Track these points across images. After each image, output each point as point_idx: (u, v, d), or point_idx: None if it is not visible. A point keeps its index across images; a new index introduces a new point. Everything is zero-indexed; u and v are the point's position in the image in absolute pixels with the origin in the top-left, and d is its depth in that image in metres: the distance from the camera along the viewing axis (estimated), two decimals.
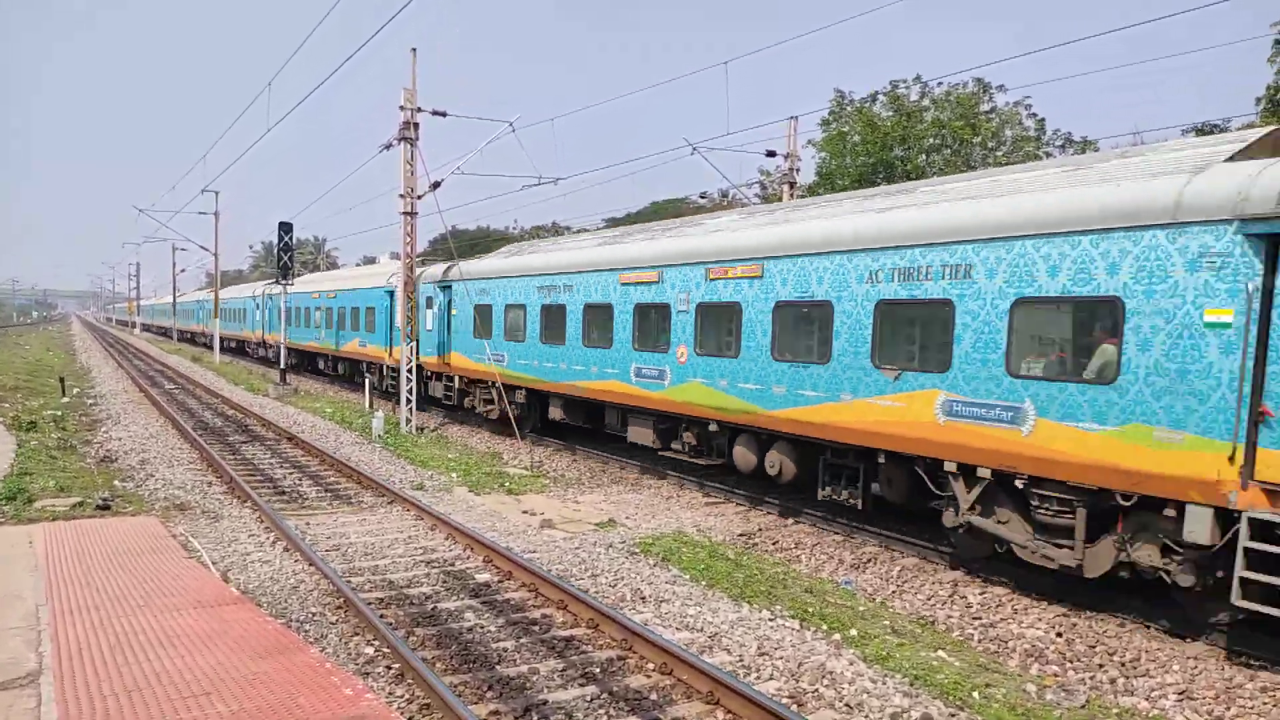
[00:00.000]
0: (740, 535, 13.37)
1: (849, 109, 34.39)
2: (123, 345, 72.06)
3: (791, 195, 27.05)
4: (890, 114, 33.24)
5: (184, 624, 8.26)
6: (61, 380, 32.66)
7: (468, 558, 11.62)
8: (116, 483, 15.71)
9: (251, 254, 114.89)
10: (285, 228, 34.52)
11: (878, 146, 32.46)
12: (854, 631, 9.16)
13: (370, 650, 8.33)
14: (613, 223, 67.45)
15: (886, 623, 9.67)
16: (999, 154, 32.31)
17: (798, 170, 27.20)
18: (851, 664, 8.18)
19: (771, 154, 27.03)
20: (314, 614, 9.27)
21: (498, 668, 8.01)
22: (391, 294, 28.42)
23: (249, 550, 11.64)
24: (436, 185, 24.13)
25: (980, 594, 10.78)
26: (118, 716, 6.28)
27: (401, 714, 6.78)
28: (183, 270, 78.62)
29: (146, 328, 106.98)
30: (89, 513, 13.19)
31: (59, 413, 24.85)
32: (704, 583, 10.69)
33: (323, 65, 26.16)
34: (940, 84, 33.01)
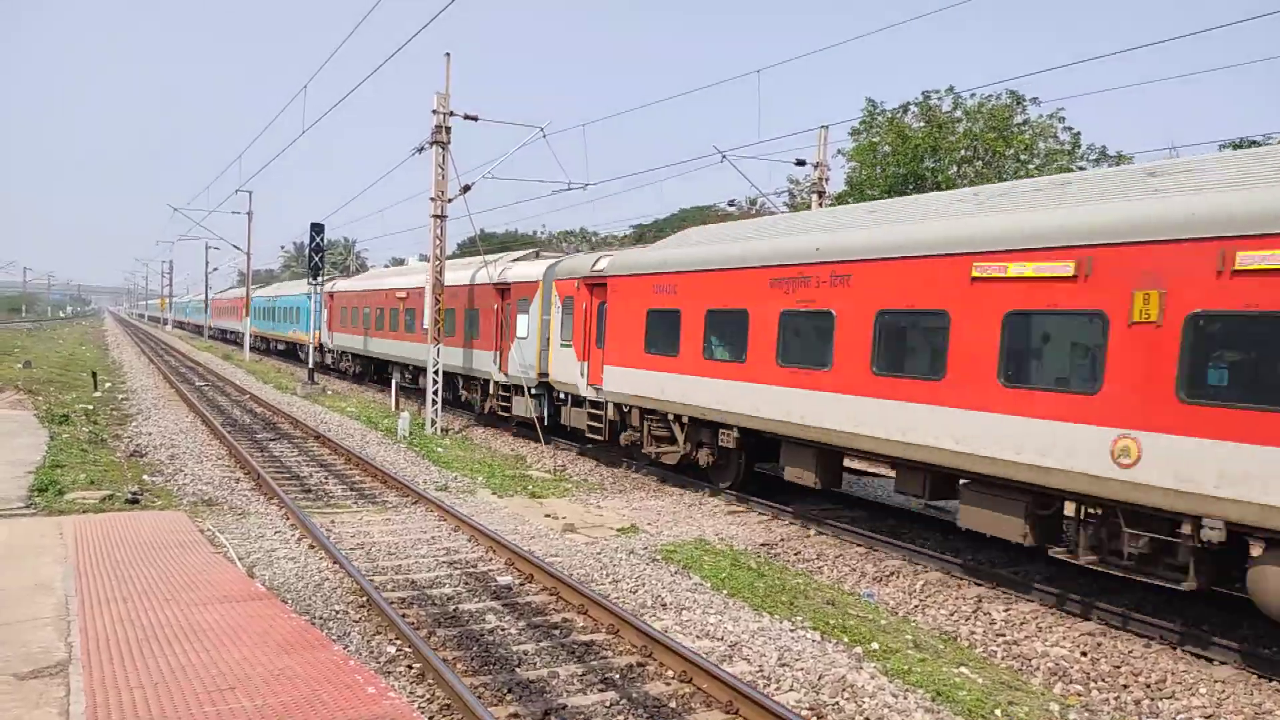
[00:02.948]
0: (762, 545, 13.33)
1: (880, 119, 34.23)
2: (154, 341, 73.08)
3: (820, 204, 26.99)
4: (922, 125, 33.05)
5: (210, 618, 8.35)
6: (94, 375, 33.18)
7: (490, 560, 11.67)
8: (146, 477, 15.93)
9: (283, 254, 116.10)
10: (317, 229, 34.87)
11: (908, 158, 32.27)
12: (875, 645, 9.11)
13: (392, 649, 8.39)
14: (638, 229, 67.53)
15: (909, 637, 9.60)
16: (1031, 166, 32.03)
17: (827, 180, 27.17)
18: (873, 678, 8.13)
19: (801, 163, 27.01)
20: (337, 612, 9.35)
21: (518, 670, 8.04)
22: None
23: (275, 547, 11.76)
24: (467, 189, 24.32)
25: (1005, 611, 10.67)
26: (143, 708, 6.36)
27: (422, 714, 6.82)
28: (215, 269, 79.66)
29: (178, 324, 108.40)
30: (118, 506, 13.38)
31: (91, 407, 25.25)
32: (725, 591, 10.67)
33: (358, 69, 26.47)
34: (973, 95, 32.79)
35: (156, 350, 59.29)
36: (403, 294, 31.04)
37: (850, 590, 11.47)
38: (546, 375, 21.39)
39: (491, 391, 24.66)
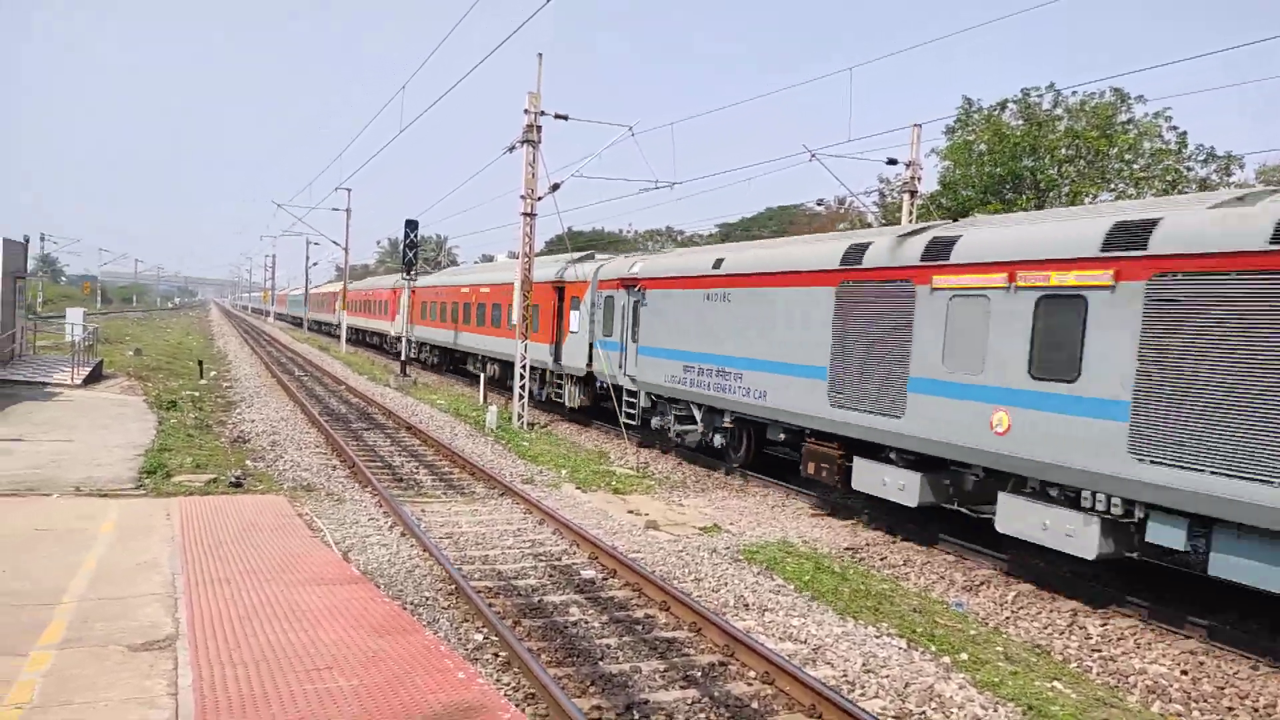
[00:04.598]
0: (846, 549, 13.16)
1: (976, 116, 33.39)
2: (257, 332, 75.97)
3: (912, 204, 26.48)
4: (1020, 123, 32.11)
5: (308, 599, 8.67)
6: (200, 363, 34.67)
7: (574, 553, 11.81)
8: (248, 462, 16.59)
9: (378, 249, 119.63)
10: (411, 225, 35.77)
11: (1006, 156, 31.39)
12: (964, 655, 8.91)
13: (479, 637, 8.57)
14: (724, 227, 67.30)
15: (999, 648, 9.36)
16: (1136, 167, 30.84)
17: (919, 179, 26.63)
18: (961, 689, 7.96)
19: (892, 162, 26.54)
20: (427, 598, 9.59)
21: (600, 664, 8.12)
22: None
23: (368, 533, 12.13)
24: (556, 187, 24.59)
25: (1101, 625, 10.31)
26: (245, 684, 6.65)
27: (509, 701, 6.94)
28: (315, 263, 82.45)
29: (280, 316, 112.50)
30: (222, 489, 13.96)
31: (197, 394, 26.41)
32: (808, 594, 10.58)
33: (453, 69, 27.04)
34: (1075, 93, 31.73)
35: (259, 341, 61.67)
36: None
37: (938, 598, 11.24)
38: None
39: None
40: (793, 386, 15.11)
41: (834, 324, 14.15)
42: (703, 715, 7.21)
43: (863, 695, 7.78)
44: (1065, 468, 10.35)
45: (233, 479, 14.51)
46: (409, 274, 36.74)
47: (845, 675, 8.18)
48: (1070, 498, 10.51)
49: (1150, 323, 9.61)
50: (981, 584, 11.81)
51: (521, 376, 24.32)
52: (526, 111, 23.42)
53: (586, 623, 9.18)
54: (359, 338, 59.36)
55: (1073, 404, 10.35)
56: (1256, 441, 8.61)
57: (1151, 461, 9.47)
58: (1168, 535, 9.54)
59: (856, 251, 13.91)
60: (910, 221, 25.55)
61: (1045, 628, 10.31)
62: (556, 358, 25.36)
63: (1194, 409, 9.13)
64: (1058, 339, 10.62)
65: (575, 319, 24.00)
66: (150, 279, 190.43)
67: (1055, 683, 8.47)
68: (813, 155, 24.20)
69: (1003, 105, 32.85)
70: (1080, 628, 10.28)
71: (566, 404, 25.17)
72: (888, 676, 8.16)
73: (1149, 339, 9.60)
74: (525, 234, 24.39)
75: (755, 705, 7.43)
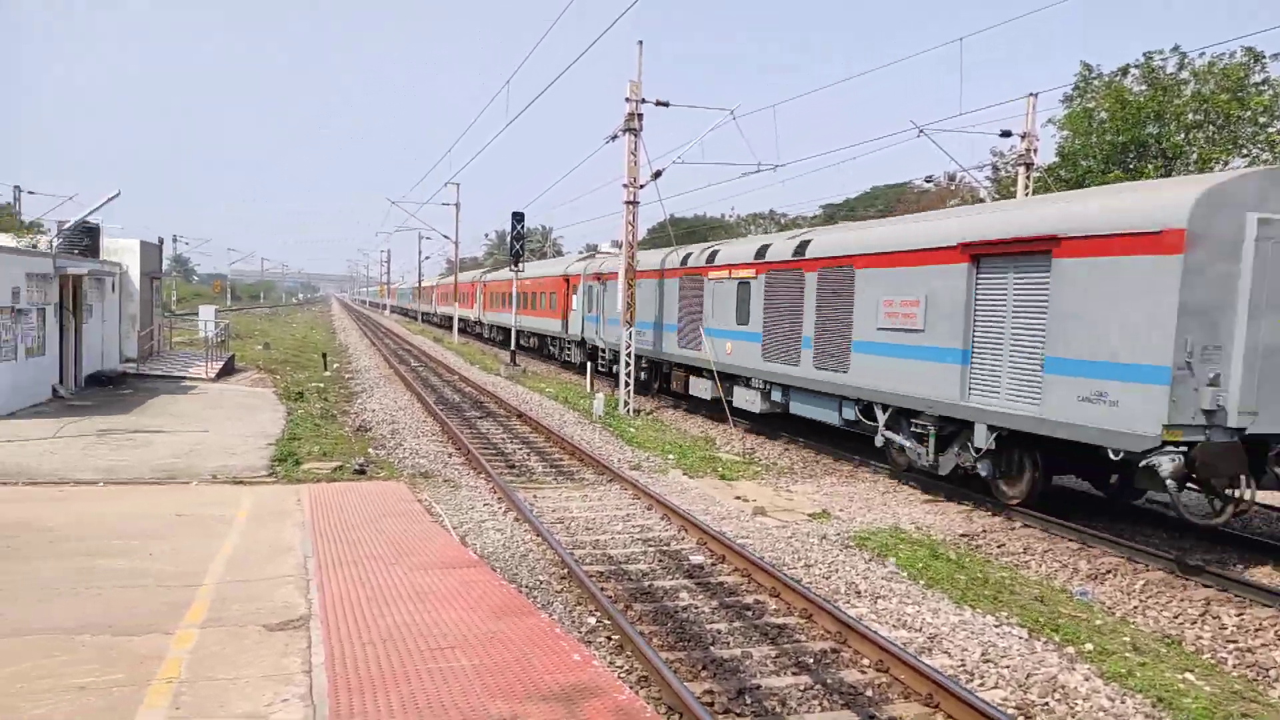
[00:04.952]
0: (962, 535, 12.85)
1: (1096, 83, 31.86)
2: (374, 325, 78.85)
3: (1028, 177, 25.52)
4: (1143, 88, 30.48)
5: (429, 582, 9.02)
6: (324, 356, 36.25)
7: (682, 539, 11.90)
8: (370, 450, 17.29)
9: (486, 241, 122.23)
10: (518, 217, 36.49)
11: (1129, 123, 29.85)
12: (1089, 645, 8.61)
13: (592, 620, 8.75)
14: (827, 209, 66.16)
15: (1127, 639, 9.00)
16: (1272, 130, 28.88)
17: (1035, 151, 25.64)
18: (1086, 679, 7.70)
19: (1006, 134, 25.64)
20: (541, 582, 9.85)
21: (711, 649, 8.18)
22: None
23: (483, 518, 12.51)
24: (658, 175, 24.68)
25: (1237, 616, 9.79)
26: (374, 662, 6.98)
27: (623, 684, 7.08)
28: (427, 257, 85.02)
29: (394, 309, 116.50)
30: (347, 476, 14.61)
31: (321, 385, 27.64)
32: (923, 582, 10.39)
33: (555, 62, 27.33)
34: (1202, 54, 29.89)
35: (377, 334, 64.01)
36: None
37: (1061, 587, 10.86)
38: None
39: None
40: (667, 338, 25.00)
41: (679, 300, 24.08)
42: (815, 702, 7.19)
43: (981, 685, 7.62)
44: (747, 368, 20.20)
45: (357, 466, 15.15)
46: (517, 265, 37.56)
47: (963, 665, 8.02)
48: (751, 383, 20.25)
49: (767, 295, 19.27)
50: (1108, 573, 11.36)
51: (627, 364, 24.57)
52: (628, 100, 23.54)
53: (696, 608, 9.26)
54: (453, 324, 61.86)
55: (747, 336, 20.14)
56: (791, 348, 18.28)
57: (769, 361, 19.19)
58: (779, 396, 19.35)
59: (685, 258, 24.06)
60: (1027, 194, 24.69)
61: (1176, 618, 9.86)
62: (565, 329, 35.77)
63: (780, 334, 18.79)
64: (744, 304, 20.22)
65: (575, 301, 33.96)
66: (276, 276, 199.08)
67: (1187, 674, 8.11)
68: (920, 131, 23.58)
69: (1124, 71, 31.27)
70: (1214, 617, 9.79)
71: (572, 359, 35.62)
72: (1008, 666, 7.96)
73: (767, 303, 19.28)
74: (628, 222, 24.56)
75: (869, 693, 7.37)
